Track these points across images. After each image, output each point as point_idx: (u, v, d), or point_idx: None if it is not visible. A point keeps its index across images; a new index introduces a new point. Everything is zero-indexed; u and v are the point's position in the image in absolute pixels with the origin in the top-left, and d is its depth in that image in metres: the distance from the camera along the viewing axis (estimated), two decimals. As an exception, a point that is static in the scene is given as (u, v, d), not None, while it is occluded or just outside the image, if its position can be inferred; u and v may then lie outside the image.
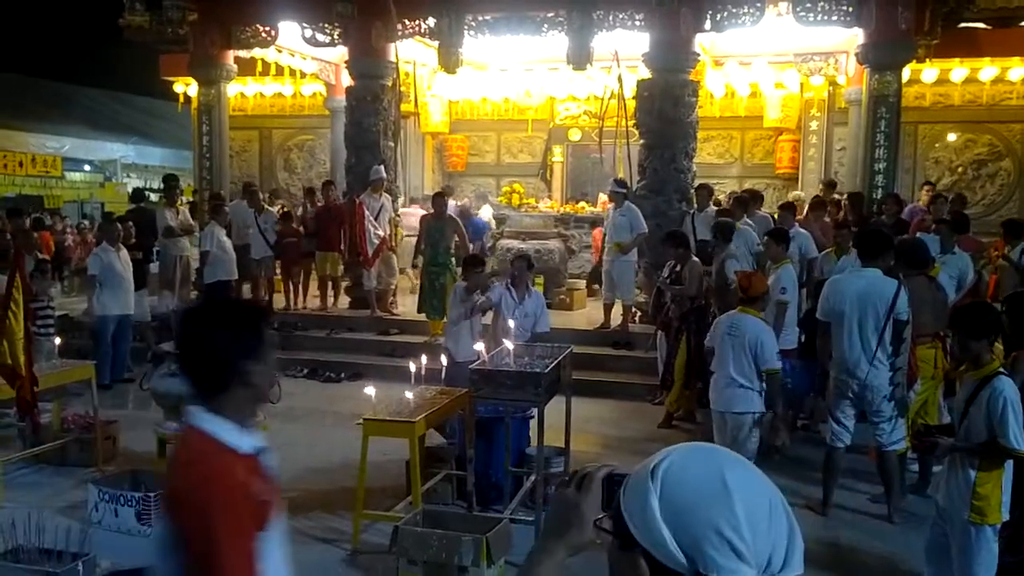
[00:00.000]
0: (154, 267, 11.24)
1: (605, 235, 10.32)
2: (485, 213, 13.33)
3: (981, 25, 12.47)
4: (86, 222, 18.92)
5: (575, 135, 15.23)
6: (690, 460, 1.11)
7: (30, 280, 8.48)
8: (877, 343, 5.54)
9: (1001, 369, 3.91)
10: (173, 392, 5.64)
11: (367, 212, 10.48)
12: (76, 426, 6.82)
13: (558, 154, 15.74)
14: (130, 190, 21.12)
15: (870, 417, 5.71)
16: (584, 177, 15.67)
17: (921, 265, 6.42)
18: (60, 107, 20.70)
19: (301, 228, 11.58)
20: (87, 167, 22.16)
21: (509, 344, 5.46)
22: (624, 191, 10.00)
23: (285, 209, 12.43)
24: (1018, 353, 4.34)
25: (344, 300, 11.66)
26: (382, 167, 10.99)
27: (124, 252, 9.33)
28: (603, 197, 13.49)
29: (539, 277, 11.44)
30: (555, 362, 5.43)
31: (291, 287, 11.49)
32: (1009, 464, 3.89)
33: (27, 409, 5.40)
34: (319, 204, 11.67)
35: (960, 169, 13.62)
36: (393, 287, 11.15)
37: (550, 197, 15.14)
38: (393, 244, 11.15)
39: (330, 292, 11.51)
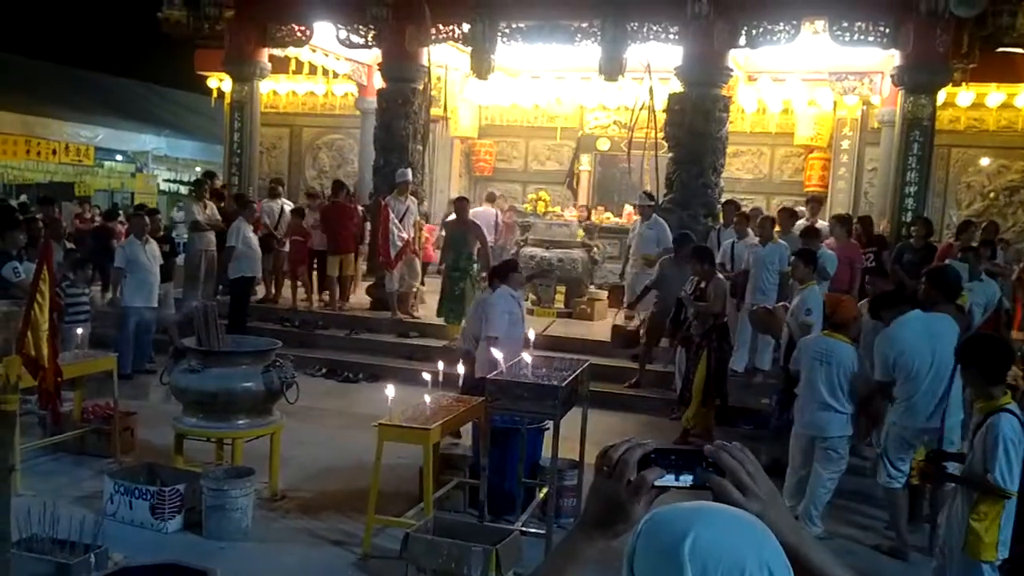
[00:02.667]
0: (180, 260, 11.33)
1: (630, 247, 10.29)
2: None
3: (1020, 50, 12.31)
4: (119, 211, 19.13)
5: (604, 144, 15.19)
6: (665, 520, 1.09)
7: (70, 271, 8.66)
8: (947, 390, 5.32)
9: (1008, 406, 3.86)
10: (192, 388, 5.68)
11: (392, 214, 10.50)
12: (96, 417, 6.88)
13: (586, 163, 15.70)
14: (160, 182, 21.43)
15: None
16: (611, 187, 15.63)
17: (954, 295, 6.34)
18: (95, 97, 20.90)
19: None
20: (119, 157, 22.36)
21: (527, 356, 5.44)
22: (652, 204, 9.98)
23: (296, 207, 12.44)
24: None
25: (355, 300, 11.73)
26: (409, 170, 11.02)
27: (152, 245, 9.42)
28: (628, 208, 13.46)
29: (561, 286, 11.48)
30: (573, 375, 5.40)
31: (295, 285, 11.60)
32: (1011, 503, 3.83)
33: (48, 400, 5.44)
34: (320, 204, 11.67)
35: (992, 195, 13.46)
36: (415, 290, 11.16)
37: (575, 206, 15.11)
38: (417, 247, 11.17)
39: (337, 292, 11.54)
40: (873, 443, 6.64)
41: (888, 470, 5.58)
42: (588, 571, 1.24)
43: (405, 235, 10.59)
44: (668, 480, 1.19)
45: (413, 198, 11.09)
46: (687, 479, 1.19)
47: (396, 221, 10.52)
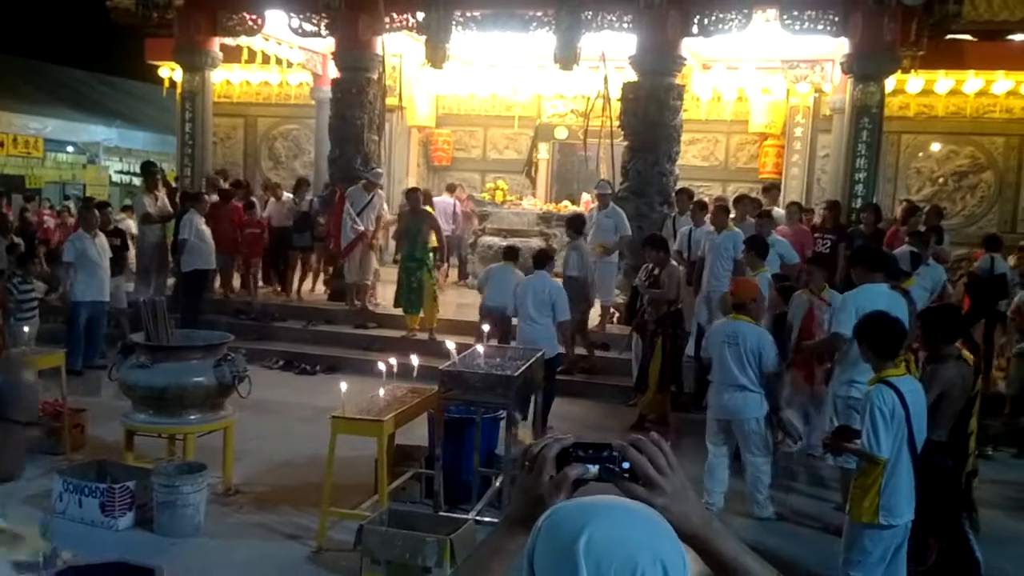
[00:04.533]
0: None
1: (588, 236, 10.32)
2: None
3: (967, 37, 12.56)
4: (68, 203, 18.76)
5: (561, 133, 15.23)
6: (562, 517, 1.10)
7: (18, 266, 8.51)
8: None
9: (890, 378, 4.03)
10: (141, 384, 5.61)
11: (348, 205, 10.42)
12: (45, 413, 6.76)
13: (544, 152, 15.73)
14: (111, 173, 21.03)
15: None
16: (570, 176, 15.68)
17: (895, 276, 6.49)
18: (43, 88, 20.46)
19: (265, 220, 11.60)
20: (70, 148, 21.92)
21: (480, 347, 5.45)
22: (610, 192, 10.04)
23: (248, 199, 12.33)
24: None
25: (311, 291, 11.73)
26: (382, 171, 11.08)
27: (101, 238, 9.26)
28: (586, 197, 13.51)
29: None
30: (526, 365, 5.43)
31: (250, 279, 11.55)
32: (899, 472, 3.98)
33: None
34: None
35: (941, 180, 13.71)
36: (370, 282, 11.10)
37: (534, 195, 15.14)
38: (375, 240, 11.09)
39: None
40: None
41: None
42: (512, 566, 1.25)
43: (360, 227, 10.50)
44: (587, 473, 1.21)
45: (381, 192, 11.03)
46: (606, 472, 1.21)
47: (352, 213, 10.43)
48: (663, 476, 1.18)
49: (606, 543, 1.05)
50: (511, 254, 8.59)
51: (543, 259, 7.81)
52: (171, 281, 10.98)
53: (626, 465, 1.19)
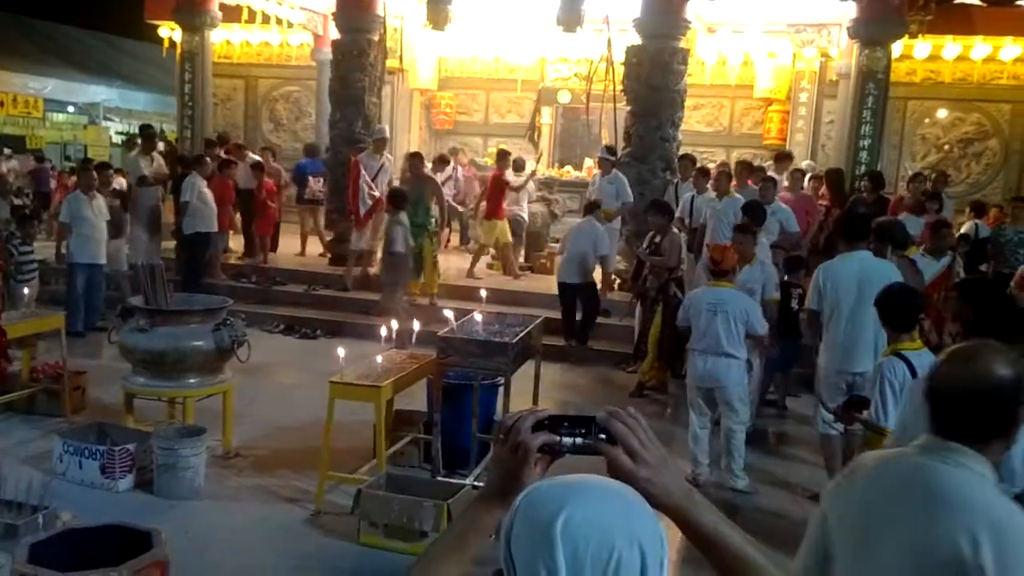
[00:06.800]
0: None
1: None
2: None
3: (976, 2, 12.38)
4: (67, 164, 18.70)
5: (564, 97, 15.06)
6: (540, 497, 1.10)
7: (17, 227, 8.49)
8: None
9: (904, 351, 4.03)
10: (140, 347, 5.62)
11: (363, 171, 10.34)
12: (45, 376, 6.79)
13: (547, 116, 15.59)
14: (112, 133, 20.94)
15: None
16: (572, 140, 15.54)
17: (902, 245, 6.45)
18: (43, 47, 20.30)
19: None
20: (71, 108, 21.81)
21: (478, 315, 5.44)
22: (613, 159, 9.97)
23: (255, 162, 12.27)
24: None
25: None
26: (386, 127, 10.90)
27: (99, 200, 9.21)
28: (589, 163, 13.42)
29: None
30: (525, 331, 5.43)
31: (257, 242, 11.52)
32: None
33: (-7, 360, 5.36)
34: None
35: (947, 147, 13.61)
36: (376, 249, 11.07)
37: (537, 160, 15.03)
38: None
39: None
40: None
41: (823, 415, 5.62)
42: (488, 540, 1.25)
43: (377, 193, 10.42)
44: (564, 446, 1.20)
45: (389, 156, 10.95)
46: (581, 445, 1.20)
47: (368, 179, 10.36)
48: (645, 449, 1.17)
49: (583, 524, 1.05)
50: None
51: (591, 207, 9.27)
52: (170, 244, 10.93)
53: (602, 437, 1.19)
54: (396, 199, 9.32)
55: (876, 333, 5.27)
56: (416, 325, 5.70)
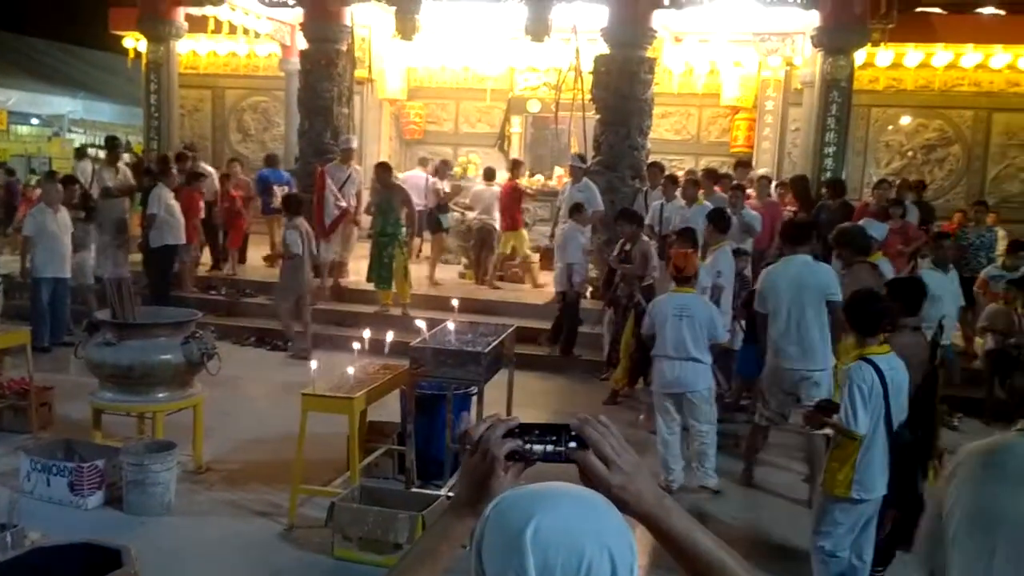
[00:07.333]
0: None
1: (560, 210, 10.31)
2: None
3: (937, 10, 12.62)
4: (32, 177, 18.43)
5: (534, 106, 15.12)
6: (509, 506, 1.10)
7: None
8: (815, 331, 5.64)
9: (871, 356, 4.10)
10: (108, 362, 5.55)
11: (329, 181, 10.29)
12: (11, 392, 6.69)
13: (517, 125, 15.62)
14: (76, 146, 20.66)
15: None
16: (543, 149, 15.59)
17: (865, 251, 6.54)
18: (5, 58, 20.02)
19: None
20: (35, 121, 21.52)
21: (451, 324, 5.44)
22: (583, 167, 10.02)
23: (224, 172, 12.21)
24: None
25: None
26: (354, 137, 10.89)
27: (63, 213, 9.07)
28: (559, 171, 13.47)
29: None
30: (497, 341, 5.43)
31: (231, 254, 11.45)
32: (875, 448, 4.07)
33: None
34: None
35: (910, 154, 13.83)
36: (347, 260, 11.04)
37: (506, 169, 15.04)
38: (357, 217, 11.01)
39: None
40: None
41: (760, 409, 5.97)
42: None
43: (343, 204, 10.38)
44: (535, 454, 1.21)
45: (357, 166, 10.91)
46: (552, 452, 1.21)
47: (334, 189, 10.31)
48: (618, 455, 1.18)
49: (553, 533, 1.06)
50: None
51: (575, 209, 9.17)
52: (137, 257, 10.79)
53: (572, 445, 1.20)
54: (290, 204, 9.33)
55: (820, 331, 5.61)
56: (389, 335, 5.68)
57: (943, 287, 7.21)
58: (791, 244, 6.00)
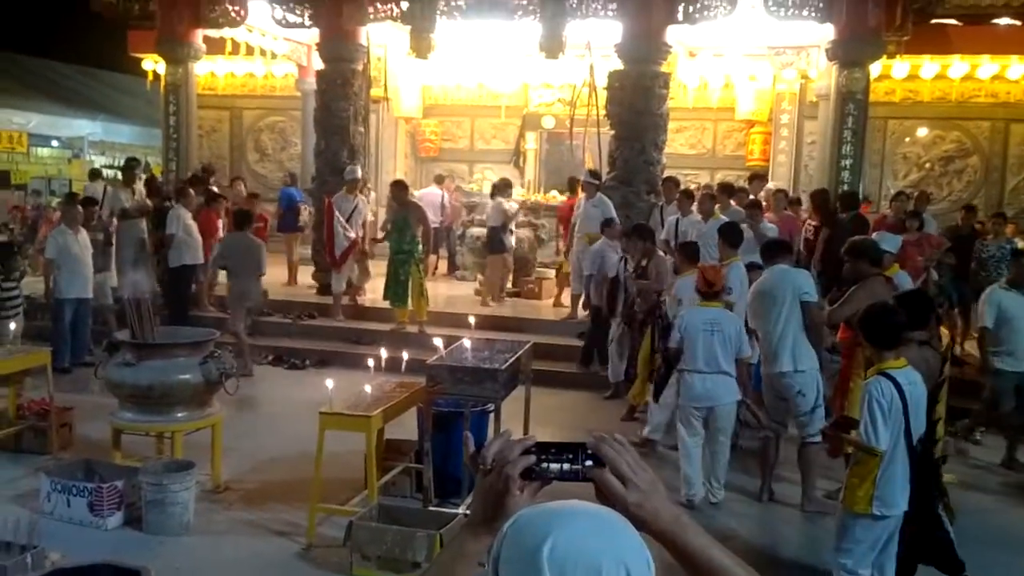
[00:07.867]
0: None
1: (575, 225, 10.31)
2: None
3: (952, 21, 12.57)
4: (52, 199, 18.65)
5: (549, 122, 15.18)
6: (526, 524, 1.10)
7: (1, 262, 8.45)
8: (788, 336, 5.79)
9: (888, 370, 4.06)
10: (127, 382, 5.58)
11: (337, 213, 10.34)
12: (32, 413, 6.73)
13: (532, 141, 15.68)
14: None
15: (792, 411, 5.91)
16: (558, 165, 15.62)
17: (877, 263, 6.48)
18: (26, 82, 20.32)
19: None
20: (55, 143, 21.79)
21: (467, 341, 5.44)
22: (597, 182, 10.02)
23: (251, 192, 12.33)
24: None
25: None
26: (358, 168, 10.88)
27: (83, 234, 9.17)
28: (554, 193, 13.51)
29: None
30: (514, 357, 5.43)
31: None
32: (895, 464, 4.02)
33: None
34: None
35: (928, 165, 13.76)
36: (364, 288, 11.10)
37: (522, 185, 15.10)
38: (367, 247, 11.04)
39: None
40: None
41: (763, 419, 6.10)
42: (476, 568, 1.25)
43: (352, 234, 10.42)
44: (551, 472, 1.21)
45: (363, 196, 10.94)
46: (569, 471, 1.21)
47: (342, 220, 10.35)
48: (635, 473, 1.18)
49: (570, 550, 1.06)
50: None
51: (605, 224, 9.25)
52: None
53: (589, 463, 1.20)
54: (239, 220, 9.49)
55: (797, 333, 5.75)
56: (405, 353, 5.69)
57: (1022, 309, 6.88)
58: (768, 258, 6.18)
